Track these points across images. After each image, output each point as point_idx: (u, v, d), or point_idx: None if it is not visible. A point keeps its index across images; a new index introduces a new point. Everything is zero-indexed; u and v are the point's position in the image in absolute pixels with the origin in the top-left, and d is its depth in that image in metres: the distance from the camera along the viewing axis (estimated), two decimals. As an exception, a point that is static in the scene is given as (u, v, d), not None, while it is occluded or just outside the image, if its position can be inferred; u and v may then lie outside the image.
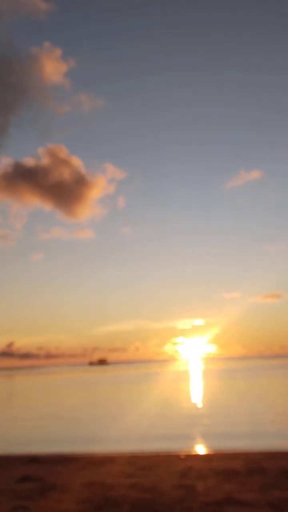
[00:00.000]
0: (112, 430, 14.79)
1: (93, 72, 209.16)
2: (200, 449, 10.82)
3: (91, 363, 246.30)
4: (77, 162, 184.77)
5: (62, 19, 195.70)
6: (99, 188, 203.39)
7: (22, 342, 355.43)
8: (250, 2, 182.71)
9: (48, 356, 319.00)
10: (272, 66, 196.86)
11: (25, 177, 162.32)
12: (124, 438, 13.04)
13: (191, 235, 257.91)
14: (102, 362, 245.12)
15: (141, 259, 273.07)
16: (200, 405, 21.52)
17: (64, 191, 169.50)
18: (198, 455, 9.89)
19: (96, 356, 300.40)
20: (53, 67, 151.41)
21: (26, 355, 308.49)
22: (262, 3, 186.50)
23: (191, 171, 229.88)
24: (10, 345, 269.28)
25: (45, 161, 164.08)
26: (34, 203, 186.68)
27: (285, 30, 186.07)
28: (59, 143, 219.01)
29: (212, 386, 36.87)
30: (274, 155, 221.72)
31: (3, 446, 12.71)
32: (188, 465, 8.67)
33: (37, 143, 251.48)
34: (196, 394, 28.26)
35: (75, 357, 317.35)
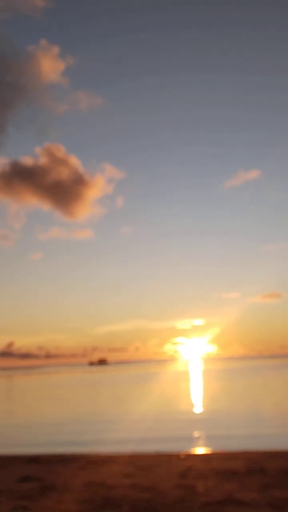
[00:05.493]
0: (112, 430, 14.79)
1: (91, 70, 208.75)
2: (200, 449, 10.82)
3: (91, 363, 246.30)
4: (75, 161, 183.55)
5: (59, 16, 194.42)
6: (98, 188, 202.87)
7: (22, 342, 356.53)
8: (250, 4, 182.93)
9: (48, 356, 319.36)
10: (271, 67, 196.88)
11: (23, 177, 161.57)
12: (124, 439, 13.04)
13: (190, 235, 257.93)
14: (102, 362, 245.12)
15: (141, 259, 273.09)
16: (200, 405, 21.52)
17: (63, 191, 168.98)
18: (198, 455, 9.90)
19: (96, 356, 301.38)
20: (50, 66, 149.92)
21: (26, 355, 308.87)
22: (263, 4, 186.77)
23: (189, 171, 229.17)
24: (10, 345, 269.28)
25: (42, 160, 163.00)
26: (33, 203, 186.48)
27: (284, 30, 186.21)
28: (57, 142, 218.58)
29: (212, 386, 36.87)
30: (272, 154, 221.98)
31: (3, 446, 12.71)
32: (188, 465, 8.67)
33: (35, 142, 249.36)
34: (196, 394, 28.26)
35: (75, 357, 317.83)
